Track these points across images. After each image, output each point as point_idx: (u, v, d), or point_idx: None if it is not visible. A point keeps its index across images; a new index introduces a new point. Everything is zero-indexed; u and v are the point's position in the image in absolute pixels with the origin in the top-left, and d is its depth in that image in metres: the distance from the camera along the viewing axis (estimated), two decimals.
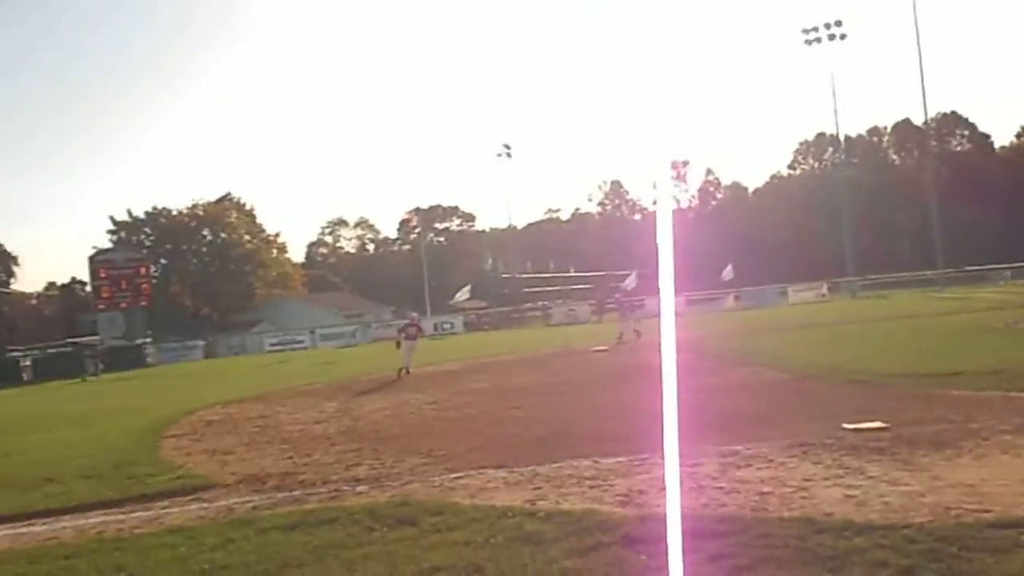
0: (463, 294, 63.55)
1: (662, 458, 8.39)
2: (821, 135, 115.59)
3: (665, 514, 6.93)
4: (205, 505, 9.14)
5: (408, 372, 24.12)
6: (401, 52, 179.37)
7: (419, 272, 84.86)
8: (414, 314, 34.51)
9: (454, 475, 9.41)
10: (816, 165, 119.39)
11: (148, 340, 60.48)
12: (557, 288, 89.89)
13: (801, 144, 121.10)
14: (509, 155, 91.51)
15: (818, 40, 71.10)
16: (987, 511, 6.42)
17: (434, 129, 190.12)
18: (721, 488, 7.83)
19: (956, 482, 7.31)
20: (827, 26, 70.40)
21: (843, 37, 71.05)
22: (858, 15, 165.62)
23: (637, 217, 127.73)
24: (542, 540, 6.56)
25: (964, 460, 8.12)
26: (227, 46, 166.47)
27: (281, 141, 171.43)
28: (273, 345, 61.43)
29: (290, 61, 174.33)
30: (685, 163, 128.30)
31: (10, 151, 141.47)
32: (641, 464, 9.03)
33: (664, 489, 7.78)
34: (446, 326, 63.13)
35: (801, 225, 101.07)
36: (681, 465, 8.30)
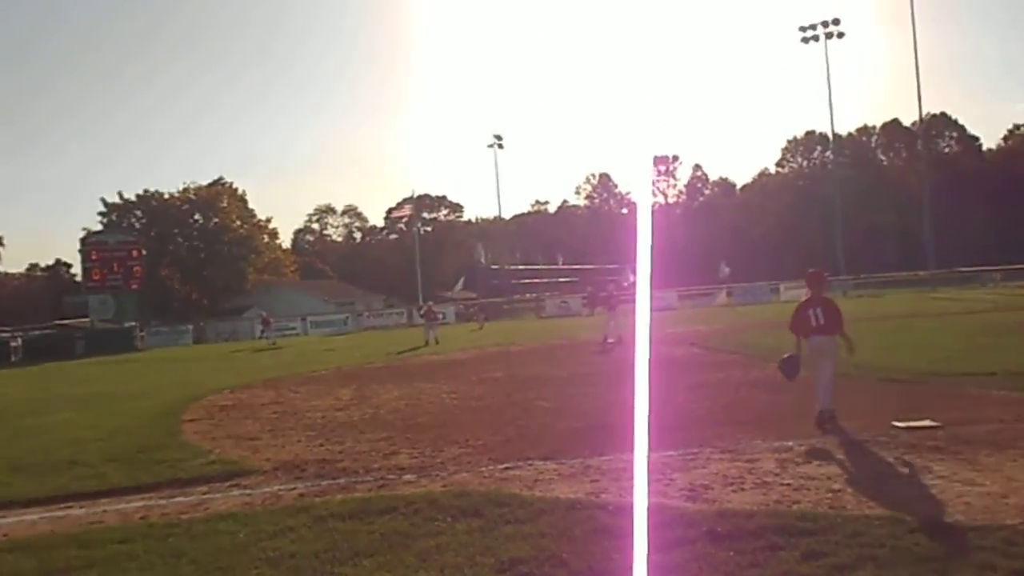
0: (459, 285, 63.41)
1: (714, 452, 8.27)
2: (811, 133, 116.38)
3: (744, 510, 6.81)
4: (248, 491, 8.92)
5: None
6: (393, 40, 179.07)
7: (406, 261, 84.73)
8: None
9: (502, 466, 9.22)
10: (805, 163, 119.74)
11: (135, 324, 59.99)
12: (546, 280, 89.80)
13: (790, 142, 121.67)
14: (501, 146, 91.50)
15: (815, 38, 71.32)
16: None
17: (423, 118, 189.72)
18: (788, 484, 7.66)
19: None
20: (825, 24, 70.57)
21: (841, 36, 71.29)
22: (855, 14, 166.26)
23: (624, 211, 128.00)
24: (621, 534, 6.37)
25: None
26: (225, 32, 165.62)
27: (271, 127, 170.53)
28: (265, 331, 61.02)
29: (282, 45, 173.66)
30: (674, 158, 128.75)
31: None
32: (694, 458, 8.86)
33: (730, 485, 7.69)
34: (440, 316, 62.84)
35: (789, 223, 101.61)
36: (737, 460, 8.19)
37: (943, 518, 6.42)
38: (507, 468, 9.09)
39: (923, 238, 71.81)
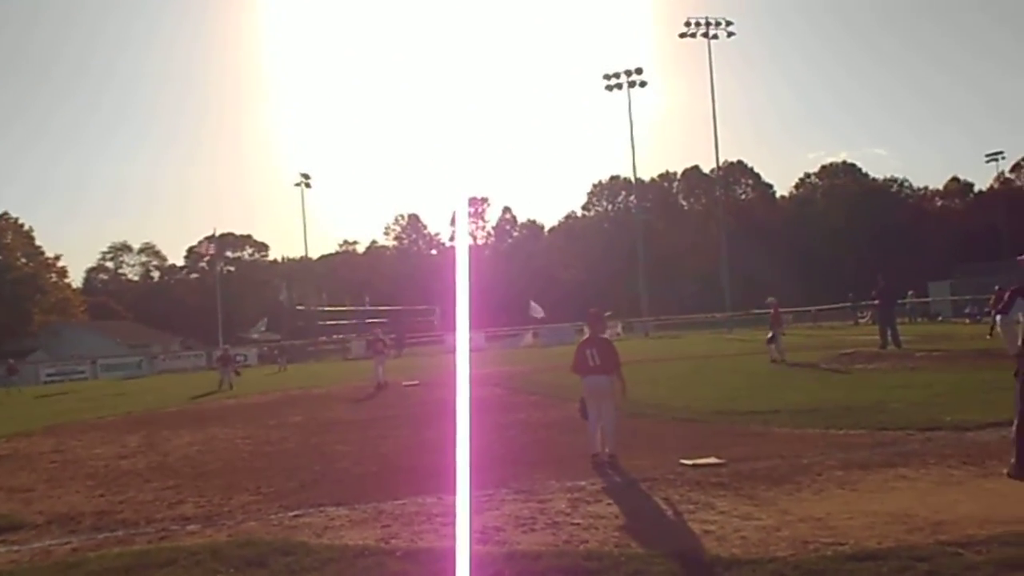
0: (261, 326, 61.80)
1: (509, 493, 8.28)
2: (615, 178, 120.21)
3: (532, 551, 6.83)
4: (16, 548, 8.29)
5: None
6: (195, 73, 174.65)
7: (208, 302, 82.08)
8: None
9: (292, 513, 8.95)
10: (610, 207, 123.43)
11: None
12: (354, 322, 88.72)
13: (596, 186, 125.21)
14: (308, 185, 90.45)
15: (619, 86, 74.03)
16: (841, 544, 6.60)
17: (228, 156, 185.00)
18: (577, 524, 7.76)
19: (805, 516, 7.51)
20: (628, 73, 73.45)
21: (643, 84, 74.32)
22: (657, 64, 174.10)
23: (433, 252, 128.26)
24: None
25: (804, 495, 8.37)
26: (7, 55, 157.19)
27: (62, 160, 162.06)
28: (50, 375, 57.83)
29: (73, 75, 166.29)
30: (483, 200, 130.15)
31: None
32: (488, 500, 8.85)
33: (522, 526, 7.71)
34: (239, 358, 60.93)
35: (594, 265, 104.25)
36: (530, 501, 8.24)
37: (720, 552, 6.63)
38: (297, 515, 8.83)
39: (721, 281, 75.17)
